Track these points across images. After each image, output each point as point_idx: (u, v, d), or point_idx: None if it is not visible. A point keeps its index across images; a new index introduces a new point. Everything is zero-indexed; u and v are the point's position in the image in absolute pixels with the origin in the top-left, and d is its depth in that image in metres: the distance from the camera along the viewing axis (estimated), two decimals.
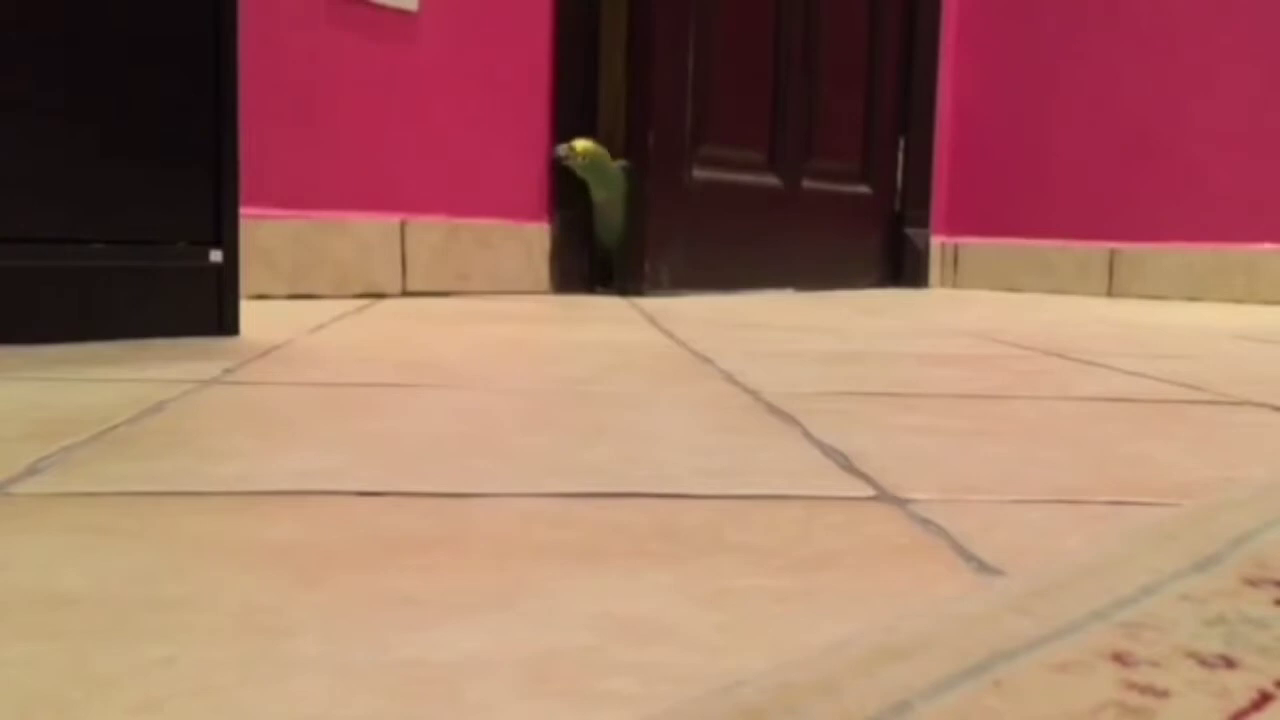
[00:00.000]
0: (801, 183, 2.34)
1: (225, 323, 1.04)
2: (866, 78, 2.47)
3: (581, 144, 1.93)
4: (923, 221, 2.64)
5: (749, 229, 2.22)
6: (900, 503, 0.48)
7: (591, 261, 2.03)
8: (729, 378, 0.87)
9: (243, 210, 1.07)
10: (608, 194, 1.97)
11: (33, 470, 0.49)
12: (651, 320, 1.44)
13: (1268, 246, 2.30)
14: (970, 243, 2.70)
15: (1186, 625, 0.32)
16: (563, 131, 1.98)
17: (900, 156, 2.58)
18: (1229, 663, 0.29)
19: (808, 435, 0.63)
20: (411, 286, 1.80)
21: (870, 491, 0.50)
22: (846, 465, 0.55)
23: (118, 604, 0.33)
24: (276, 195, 1.62)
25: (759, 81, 2.23)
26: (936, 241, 2.71)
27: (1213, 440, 0.65)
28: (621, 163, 1.98)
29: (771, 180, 2.28)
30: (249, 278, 1.56)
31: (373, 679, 0.28)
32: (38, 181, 0.94)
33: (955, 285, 2.72)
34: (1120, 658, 0.29)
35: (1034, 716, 0.26)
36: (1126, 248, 2.46)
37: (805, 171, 2.35)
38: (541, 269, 1.98)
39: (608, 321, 1.40)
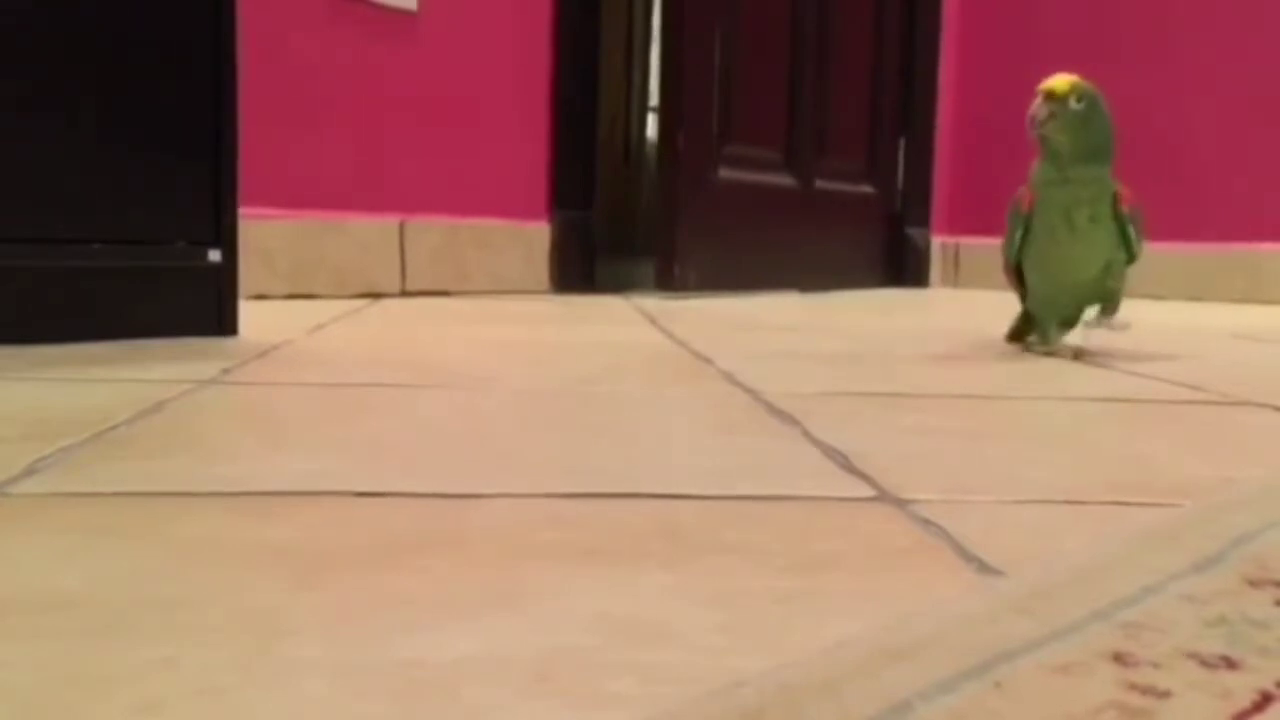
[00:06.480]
0: (814, 183, 2.34)
1: (224, 323, 1.04)
2: (870, 77, 2.47)
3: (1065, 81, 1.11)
4: (923, 221, 2.64)
5: (766, 229, 2.22)
6: (901, 503, 0.47)
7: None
8: (729, 378, 0.87)
9: (242, 210, 1.07)
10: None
11: (31, 470, 0.49)
12: (652, 320, 1.43)
13: (1269, 246, 2.30)
14: (971, 242, 2.70)
15: (1187, 626, 0.31)
16: (562, 132, 1.97)
17: (901, 156, 2.58)
18: (1230, 663, 0.29)
19: (808, 435, 0.63)
20: (411, 287, 1.80)
21: (871, 492, 0.50)
22: (847, 465, 0.55)
23: (117, 604, 0.33)
24: (276, 195, 1.62)
25: (776, 81, 2.22)
26: (937, 241, 2.70)
27: (1213, 440, 0.65)
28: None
29: (788, 180, 2.28)
30: (248, 278, 1.56)
31: (372, 680, 0.28)
32: (37, 181, 0.94)
33: (956, 285, 2.71)
34: (1121, 658, 0.29)
35: (1034, 717, 0.25)
36: None
37: (817, 171, 2.35)
38: (541, 269, 1.98)
39: (607, 322, 1.40)
